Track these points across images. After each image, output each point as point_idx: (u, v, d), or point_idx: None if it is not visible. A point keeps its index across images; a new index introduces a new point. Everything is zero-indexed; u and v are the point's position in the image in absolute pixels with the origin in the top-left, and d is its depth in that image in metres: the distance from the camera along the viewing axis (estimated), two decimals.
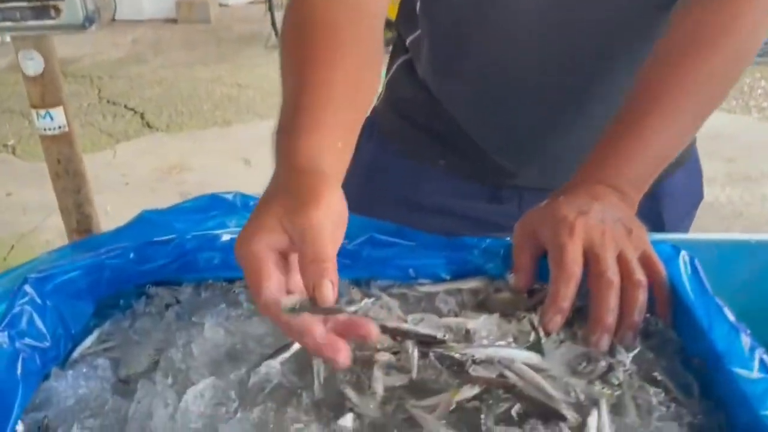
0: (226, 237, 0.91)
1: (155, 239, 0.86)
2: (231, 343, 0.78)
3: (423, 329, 0.77)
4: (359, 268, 0.89)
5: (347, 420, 0.67)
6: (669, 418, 0.69)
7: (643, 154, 0.83)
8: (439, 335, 0.76)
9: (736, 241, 1.05)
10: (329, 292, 0.63)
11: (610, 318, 0.71)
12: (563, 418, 0.67)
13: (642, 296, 0.72)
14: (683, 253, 0.85)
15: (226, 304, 0.85)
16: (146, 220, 0.91)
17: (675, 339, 0.78)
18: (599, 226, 0.75)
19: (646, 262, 0.76)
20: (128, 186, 4.03)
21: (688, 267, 0.83)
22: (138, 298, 0.86)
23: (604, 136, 0.86)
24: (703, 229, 1.20)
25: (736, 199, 3.75)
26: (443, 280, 0.90)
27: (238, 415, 0.69)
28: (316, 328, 0.66)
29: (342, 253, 0.88)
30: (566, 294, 0.72)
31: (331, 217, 0.65)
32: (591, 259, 0.73)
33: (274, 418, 0.68)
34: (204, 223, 0.94)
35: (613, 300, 0.71)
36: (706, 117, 0.85)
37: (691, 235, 1.14)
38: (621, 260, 0.73)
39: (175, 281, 0.89)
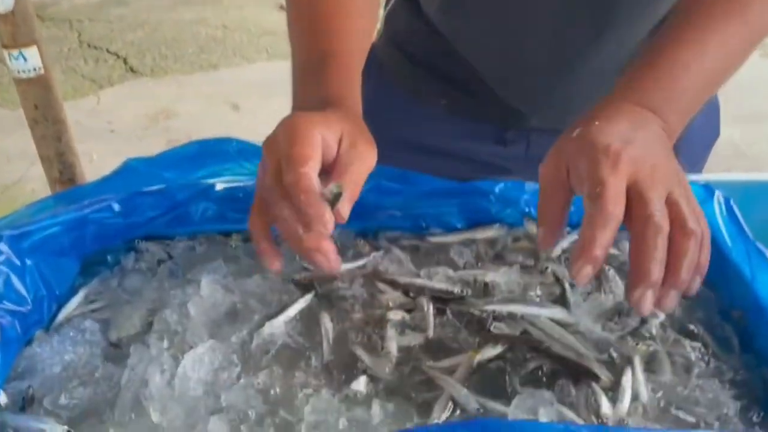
0: (220, 186, 0.84)
1: (142, 190, 0.79)
2: (230, 302, 0.71)
3: (438, 284, 0.71)
4: (366, 218, 0.83)
5: (360, 383, 0.62)
6: (708, 374, 0.64)
7: (695, 77, 0.70)
8: (457, 290, 0.70)
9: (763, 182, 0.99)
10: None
11: (657, 271, 0.58)
12: (596, 378, 0.61)
13: (694, 249, 0.60)
14: (717, 193, 0.79)
15: (224, 259, 0.78)
16: (132, 170, 0.83)
17: (710, 289, 0.73)
18: (648, 159, 0.62)
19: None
20: (114, 133, 3.90)
21: (724, 209, 0.77)
22: (126, 253, 0.80)
23: (649, 50, 0.71)
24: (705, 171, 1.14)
25: (737, 139, 3.69)
26: (456, 230, 0.83)
27: (242, 380, 0.63)
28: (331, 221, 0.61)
29: None
30: (602, 240, 0.59)
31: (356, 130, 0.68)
32: (635, 199, 0.60)
33: (280, 382, 0.63)
34: (195, 172, 0.86)
35: (661, 249, 0.58)
36: (754, 47, 0.76)
37: (715, 176, 1.07)
38: (671, 204, 0.61)
39: (167, 235, 0.82)
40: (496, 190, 0.84)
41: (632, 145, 0.62)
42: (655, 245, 0.58)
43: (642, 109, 0.67)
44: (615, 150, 0.62)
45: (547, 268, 0.75)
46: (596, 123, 0.65)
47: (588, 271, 0.60)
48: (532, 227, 0.81)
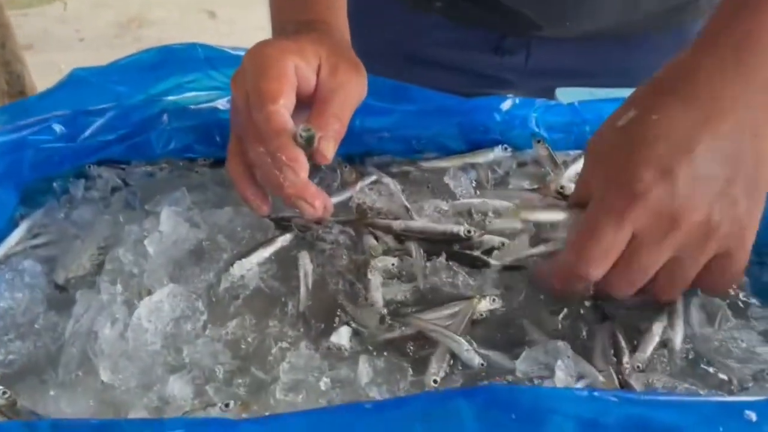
0: (193, 107, 0.73)
1: (90, 108, 0.68)
2: (195, 238, 0.62)
3: (439, 226, 0.61)
4: (352, 141, 0.72)
5: (342, 336, 0.53)
6: (742, 323, 0.56)
7: None
8: (463, 231, 0.60)
9: None
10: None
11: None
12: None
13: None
14: None
15: (188, 187, 0.68)
16: (79, 81, 0.71)
17: None
18: (690, 218, 0.46)
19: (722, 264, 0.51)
20: (83, 42, 3.68)
21: None
22: (75, 180, 0.69)
23: None
24: None
25: None
26: (454, 153, 0.73)
27: (207, 331, 0.54)
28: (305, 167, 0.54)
29: None
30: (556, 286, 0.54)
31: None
32: (633, 250, 0.49)
33: (252, 334, 0.54)
34: (154, 85, 0.74)
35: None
36: None
37: None
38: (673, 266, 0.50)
39: (122, 159, 0.71)
40: (502, 107, 0.73)
41: (672, 182, 0.45)
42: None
43: (743, 90, 0.47)
44: (639, 191, 0.46)
45: (563, 187, 0.64)
46: (653, 117, 0.47)
47: None
48: (542, 150, 0.71)
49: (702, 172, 0.46)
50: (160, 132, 0.69)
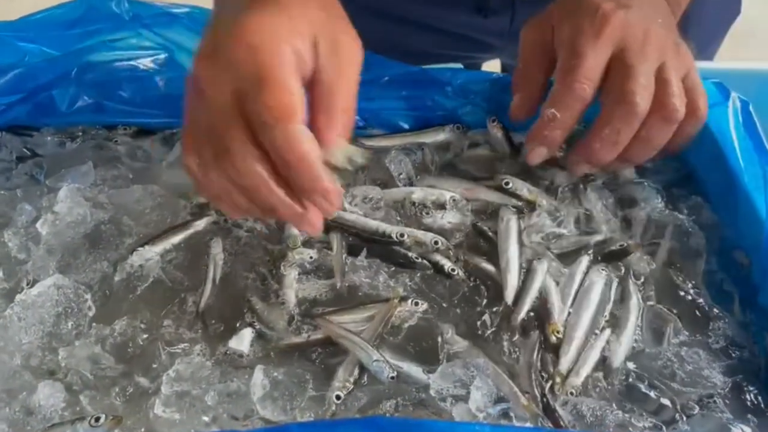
0: (104, 66, 0.65)
1: None
2: (96, 220, 0.55)
3: (371, 223, 0.55)
4: None
5: (243, 340, 0.47)
6: (694, 339, 0.50)
7: None
8: (395, 233, 0.53)
9: None
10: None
11: (606, 154, 0.54)
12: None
13: (663, 135, 0.54)
14: (734, 96, 0.61)
15: (100, 161, 0.61)
16: None
17: (712, 219, 0.58)
18: (641, 25, 0.54)
19: (687, 88, 0.55)
20: None
21: (740, 116, 0.60)
22: None
23: None
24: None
25: (751, 15, 3.40)
26: (400, 131, 0.66)
27: (93, 330, 0.48)
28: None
29: None
30: (562, 121, 0.54)
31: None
32: (618, 69, 0.53)
33: (142, 334, 0.48)
34: (72, 44, 0.67)
35: (624, 135, 0.53)
36: None
37: (730, 64, 0.88)
38: (659, 81, 0.53)
39: (31, 125, 0.65)
40: (456, 80, 0.66)
41: (626, 8, 0.54)
42: (618, 129, 0.53)
43: None
44: (604, 13, 0.54)
45: (507, 183, 0.58)
46: None
47: (542, 152, 0.57)
48: (496, 131, 0.64)
49: (641, 14, 0.55)
50: (64, 88, 0.62)
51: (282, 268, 0.51)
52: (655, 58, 0.53)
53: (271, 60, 0.43)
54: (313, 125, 0.43)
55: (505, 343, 0.48)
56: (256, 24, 0.44)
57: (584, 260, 0.53)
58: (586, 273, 0.53)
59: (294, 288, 0.50)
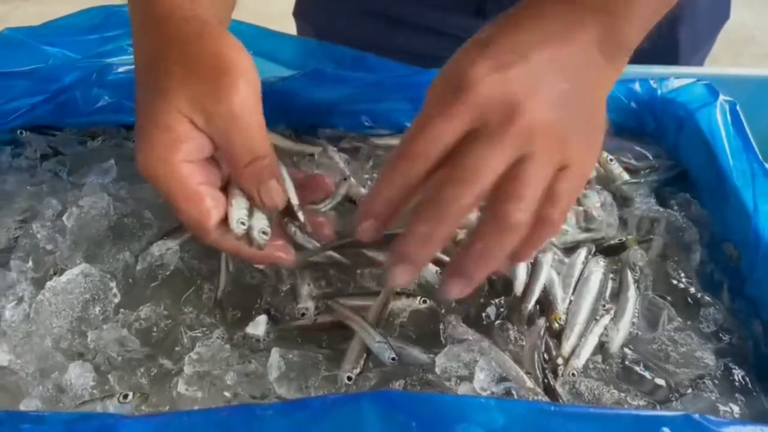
0: (122, 69, 0.68)
1: (16, 69, 0.64)
2: (119, 214, 0.59)
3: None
4: (296, 111, 0.68)
5: (259, 326, 0.50)
6: (686, 324, 0.53)
7: None
8: None
9: None
10: (277, 194, 0.48)
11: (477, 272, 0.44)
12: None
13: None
14: (722, 97, 0.64)
15: (120, 158, 0.64)
16: (8, 42, 0.67)
17: (702, 214, 0.61)
18: (531, 111, 0.41)
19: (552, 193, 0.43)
20: None
21: (728, 116, 0.63)
22: (2, 147, 0.66)
23: None
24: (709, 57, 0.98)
25: (749, 21, 3.42)
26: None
27: (120, 315, 0.51)
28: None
29: (276, 90, 0.68)
30: (381, 194, 0.44)
31: (253, 92, 0.47)
32: (465, 158, 0.41)
33: (165, 320, 0.51)
34: (93, 48, 0.71)
35: (495, 254, 0.43)
36: None
37: (721, 69, 0.92)
38: (511, 174, 0.41)
39: (54, 125, 0.68)
40: None
41: (510, 69, 0.41)
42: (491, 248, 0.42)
43: (581, 11, 0.44)
44: (470, 78, 0.41)
45: None
46: (499, 23, 0.44)
47: (402, 273, 0.43)
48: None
49: (539, 76, 0.41)
50: (86, 89, 0.65)
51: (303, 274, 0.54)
52: (517, 146, 0.41)
53: (168, 186, 0.46)
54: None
55: (511, 332, 0.51)
56: (144, 152, 0.46)
57: (583, 251, 0.56)
58: (585, 263, 0.56)
59: (310, 291, 0.53)
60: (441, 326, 0.50)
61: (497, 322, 0.52)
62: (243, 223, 0.48)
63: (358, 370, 0.47)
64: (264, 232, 0.48)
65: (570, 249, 0.58)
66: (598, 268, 0.55)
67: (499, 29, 0.44)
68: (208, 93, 0.45)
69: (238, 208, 0.48)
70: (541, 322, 0.51)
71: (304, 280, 0.53)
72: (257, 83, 0.47)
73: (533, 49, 0.42)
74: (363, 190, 0.60)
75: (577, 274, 0.55)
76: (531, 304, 0.52)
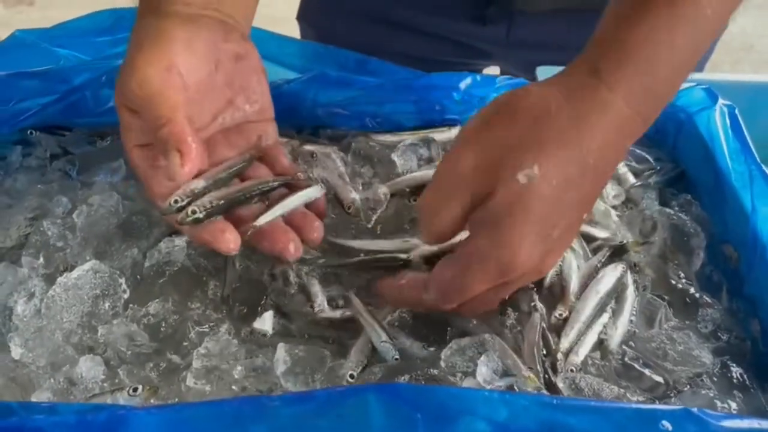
0: None
1: (27, 70, 0.65)
2: (128, 212, 0.60)
3: (379, 246, 0.57)
4: (302, 113, 0.69)
5: (266, 321, 0.51)
6: (684, 323, 0.54)
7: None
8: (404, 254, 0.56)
9: None
10: (176, 165, 0.48)
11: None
12: None
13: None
14: (721, 102, 0.65)
15: (126, 158, 0.65)
16: (20, 43, 0.69)
17: (702, 216, 0.61)
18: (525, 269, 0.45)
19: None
20: (85, 0, 3.63)
21: (727, 120, 0.64)
22: (12, 147, 0.67)
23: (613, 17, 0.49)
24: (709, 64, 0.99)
25: (749, 29, 3.44)
26: (409, 129, 0.70)
27: (129, 311, 0.52)
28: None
29: (282, 93, 0.69)
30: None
31: (169, 68, 0.50)
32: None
33: (173, 315, 0.52)
34: (103, 50, 0.72)
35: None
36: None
37: (719, 76, 0.93)
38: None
39: (64, 125, 0.69)
40: (461, 85, 0.70)
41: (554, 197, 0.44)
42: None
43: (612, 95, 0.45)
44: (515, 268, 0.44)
45: None
46: (529, 120, 0.45)
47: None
48: None
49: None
50: (96, 90, 0.66)
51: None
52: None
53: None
54: None
55: (510, 319, 0.52)
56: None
57: (603, 254, 0.57)
58: (602, 264, 0.56)
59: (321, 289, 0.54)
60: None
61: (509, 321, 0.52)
62: (176, 202, 0.49)
63: (359, 370, 0.48)
64: (193, 212, 0.50)
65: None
66: (614, 273, 0.55)
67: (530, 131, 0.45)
68: (122, 75, 0.51)
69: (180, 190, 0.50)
70: (537, 317, 0.52)
71: (313, 280, 0.54)
72: (191, 59, 0.51)
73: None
74: (353, 195, 0.61)
75: (590, 273, 0.55)
76: (573, 294, 0.53)
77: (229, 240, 0.50)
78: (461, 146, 0.46)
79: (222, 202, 0.51)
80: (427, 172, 0.62)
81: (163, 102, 0.49)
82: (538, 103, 0.45)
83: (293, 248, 0.53)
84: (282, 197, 0.55)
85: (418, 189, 0.62)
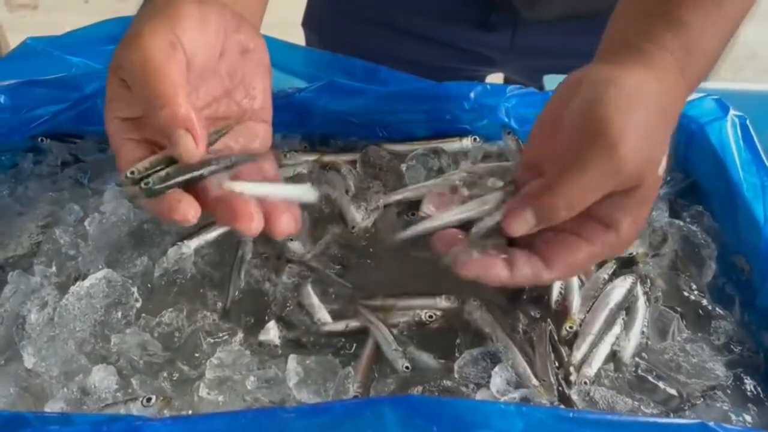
0: None
1: (39, 78, 0.65)
2: (138, 220, 0.60)
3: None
4: (313, 121, 0.69)
5: (270, 332, 0.51)
6: (697, 336, 0.53)
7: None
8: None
9: None
10: (188, 144, 0.43)
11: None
12: None
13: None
14: (732, 112, 0.65)
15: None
16: (31, 51, 0.69)
17: (713, 227, 0.61)
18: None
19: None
20: (89, 5, 3.64)
21: (738, 130, 0.64)
22: (24, 154, 0.67)
23: None
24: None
25: (751, 37, 3.45)
26: (418, 138, 0.70)
27: (142, 320, 0.52)
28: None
29: (293, 101, 0.69)
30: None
31: (173, 44, 0.46)
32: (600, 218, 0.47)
33: (185, 324, 0.52)
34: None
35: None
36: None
37: (727, 84, 0.93)
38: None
39: (75, 133, 0.69)
40: (471, 94, 0.70)
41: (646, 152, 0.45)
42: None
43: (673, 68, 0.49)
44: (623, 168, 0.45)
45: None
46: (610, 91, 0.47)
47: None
48: (511, 143, 0.67)
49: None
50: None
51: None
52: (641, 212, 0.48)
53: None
54: None
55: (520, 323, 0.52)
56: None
57: (610, 266, 0.56)
58: (611, 277, 0.56)
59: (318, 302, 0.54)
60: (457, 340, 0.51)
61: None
62: (132, 174, 0.45)
63: (361, 390, 0.48)
64: (146, 183, 0.44)
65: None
66: (623, 285, 0.55)
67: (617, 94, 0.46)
68: (122, 46, 0.46)
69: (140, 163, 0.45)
70: (544, 326, 0.51)
71: (306, 291, 0.54)
72: (199, 35, 0.47)
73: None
74: (358, 218, 0.60)
75: (600, 286, 0.55)
76: (577, 310, 0.53)
77: (187, 210, 0.44)
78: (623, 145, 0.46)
79: (180, 177, 0.45)
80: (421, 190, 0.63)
81: (164, 79, 0.44)
82: (652, 96, 0.47)
83: (255, 226, 0.45)
84: (272, 181, 0.50)
85: (416, 203, 0.61)
